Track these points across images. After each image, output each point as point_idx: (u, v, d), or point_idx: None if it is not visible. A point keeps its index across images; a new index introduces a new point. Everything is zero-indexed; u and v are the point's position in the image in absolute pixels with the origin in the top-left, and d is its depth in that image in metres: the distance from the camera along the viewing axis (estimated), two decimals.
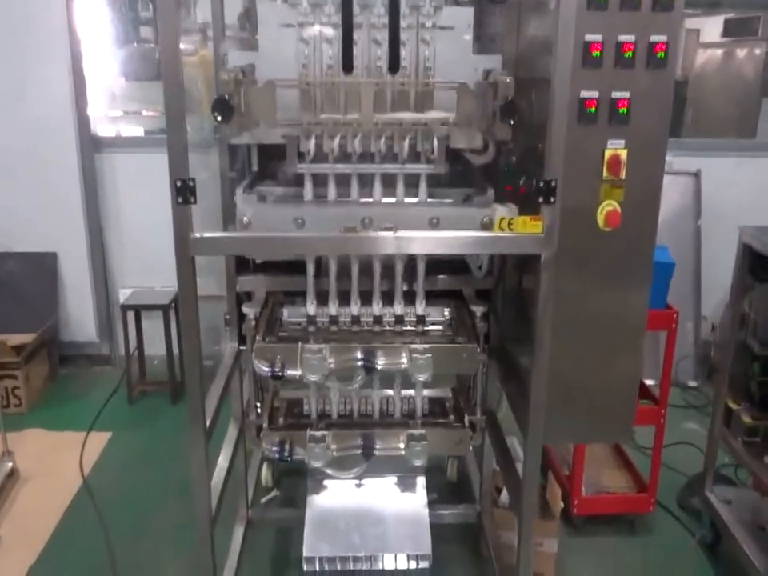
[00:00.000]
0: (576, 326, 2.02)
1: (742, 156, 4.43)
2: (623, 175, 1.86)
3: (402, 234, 1.86)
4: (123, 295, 4.39)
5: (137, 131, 5.16)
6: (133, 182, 4.35)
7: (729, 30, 6.42)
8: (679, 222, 4.35)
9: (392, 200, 2.10)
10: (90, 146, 4.28)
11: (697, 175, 4.36)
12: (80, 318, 4.54)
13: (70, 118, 4.20)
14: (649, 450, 3.09)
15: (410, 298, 2.29)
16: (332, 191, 2.09)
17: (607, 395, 2.07)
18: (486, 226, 1.97)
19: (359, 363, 2.09)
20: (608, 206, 1.88)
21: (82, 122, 4.25)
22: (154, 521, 3.09)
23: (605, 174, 1.87)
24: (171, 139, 1.73)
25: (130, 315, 4.20)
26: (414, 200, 2.11)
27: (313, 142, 2.01)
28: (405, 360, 2.11)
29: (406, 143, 2.02)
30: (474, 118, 2.03)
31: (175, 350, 4.31)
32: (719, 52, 6.23)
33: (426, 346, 2.12)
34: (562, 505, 2.67)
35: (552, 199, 1.82)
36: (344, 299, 2.27)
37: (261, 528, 2.88)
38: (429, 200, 2.12)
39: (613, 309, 2.00)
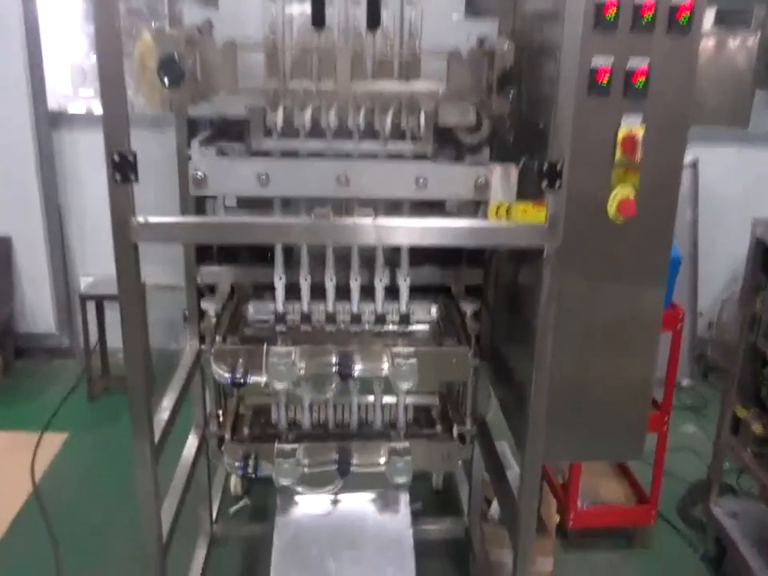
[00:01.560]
0: (581, 328, 1.77)
1: (740, 146, 4.22)
2: (639, 157, 1.61)
3: (382, 221, 1.60)
4: (84, 283, 4.09)
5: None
6: (98, 163, 4.03)
7: (721, 19, 6.24)
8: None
9: (372, 156, 1.84)
10: (46, 122, 3.95)
11: (694, 165, 4.13)
12: (37, 307, 4.23)
13: (23, 92, 3.87)
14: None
15: (392, 294, 2.04)
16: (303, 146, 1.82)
17: (616, 407, 1.83)
18: (482, 189, 1.71)
19: (333, 369, 1.84)
20: (621, 194, 1.63)
21: (38, 97, 3.92)
22: (109, 536, 2.81)
23: (618, 155, 1.62)
24: (106, 105, 1.47)
25: (91, 305, 3.89)
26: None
27: (281, 114, 1.74)
28: (386, 366, 1.85)
29: (389, 118, 1.76)
30: (466, 90, 1.79)
31: None
32: (711, 42, 6.03)
33: (410, 349, 1.87)
34: (557, 519, 2.44)
35: (557, 184, 1.57)
36: (318, 294, 2.01)
37: (226, 544, 2.61)
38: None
39: (624, 309, 1.76)
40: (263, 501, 2.92)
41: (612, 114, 1.61)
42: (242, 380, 1.82)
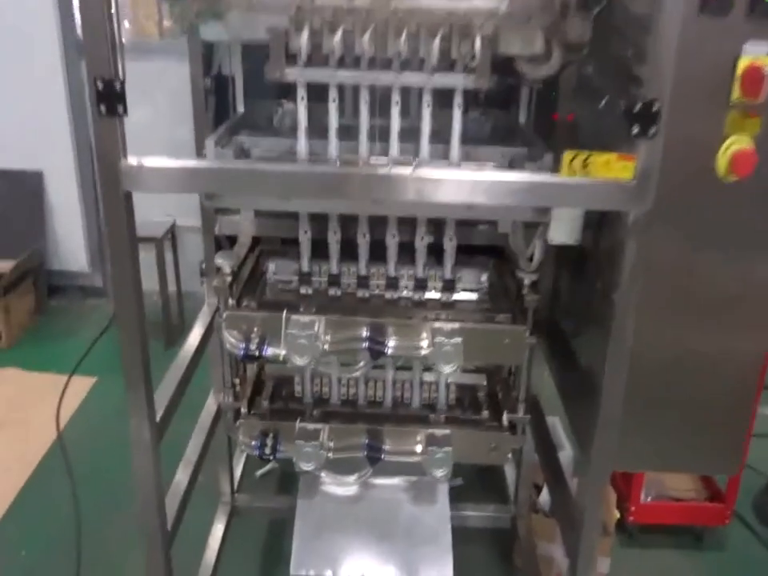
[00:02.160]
0: (673, 302, 1.44)
1: None
2: (763, 97, 1.24)
3: (424, 172, 1.28)
4: None
5: None
6: (131, 92, 3.77)
7: None
8: None
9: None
10: (75, 52, 3.68)
11: None
12: (70, 244, 4.06)
13: (52, 22, 3.60)
14: None
15: (436, 256, 1.73)
16: (333, 139, 1.50)
17: (712, 404, 1.51)
18: None
19: (363, 345, 1.55)
20: (736, 145, 1.27)
21: (66, 26, 3.64)
22: (131, 487, 2.65)
23: (735, 94, 1.25)
24: (86, 20, 1.18)
25: None
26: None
27: (306, 36, 1.41)
28: (425, 344, 1.56)
29: (437, 43, 1.41)
30: (534, 9, 1.41)
31: (171, 287, 3.84)
32: None
33: (455, 325, 1.57)
34: (617, 515, 2.16)
35: (653, 130, 1.22)
36: (349, 253, 1.72)
37: (248, 517, 2.41)
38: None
39: (731, 282, 1.41)
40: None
41: (731, 39, 1.25)
42: (256, 352, 1.56)
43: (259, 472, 2.72)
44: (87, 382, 3.36)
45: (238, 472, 2.41)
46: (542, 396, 2.04)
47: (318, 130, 1.51)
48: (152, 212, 3.75)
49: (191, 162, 1.32)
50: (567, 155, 1.28)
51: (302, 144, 1.49)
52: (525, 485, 2.33)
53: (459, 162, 1.51)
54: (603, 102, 1.35)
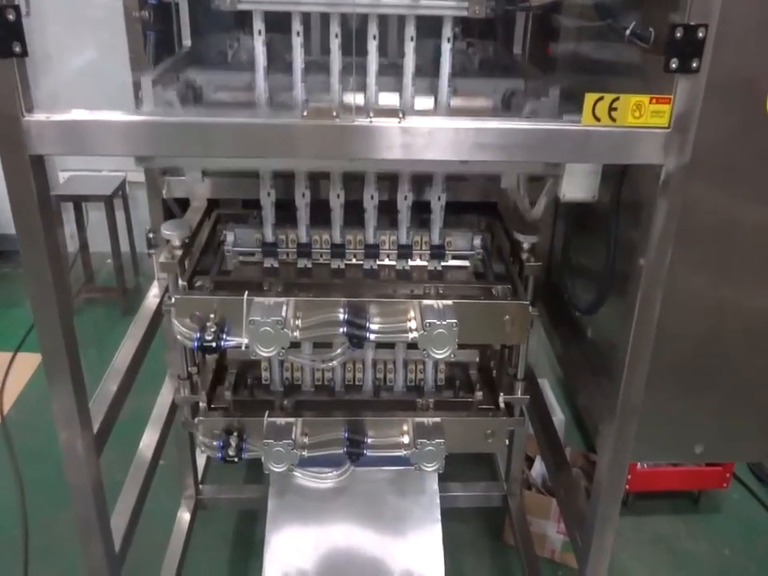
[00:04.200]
0: (712, 265, 1.22)
1: None
2: None
3: (413, 123, 1.02)
4: (63, 180, 3.55)
5: None
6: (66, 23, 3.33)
7: None
8: None
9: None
10: None
11: None
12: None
13: None
14: None
15: (420, 217, 1.49)
16: (298, 81, 1.21)
17: (750, 383, 1.31)
18: None
19: (341, 330, 1.31)
20: None
21: None
22: None
23: None
24: None
25: (68, 207, 3.37)
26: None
27: None
28: (414, 325, 1.33)
29: None
30: None
31: (124, 248, 3.54)
32: None
33: (448, 302, 1.34)
34: None
35: (695, 64, 0.98)
36: (321, 217, 1.47)
37: (214, 510, 2.19)
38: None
39: None
40: None
41: None
42: (213, 343, 1.31)
43: None
44: (34, 358, 3.07)
45: (201, 461, 2.17)
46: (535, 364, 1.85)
47: (281, 68, 1.23)
48: (99, 162, 3.42)
49: (115, 115, 1.03)
50: (589, 98, 1.03)
51: (261, 88, 1.21)
52: (517, 459, 2.14)
53: (448, 102, 1.25)
54: (629, 28, 1.09)
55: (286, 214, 1.48)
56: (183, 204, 1.71)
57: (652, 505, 2.35)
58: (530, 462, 2.23)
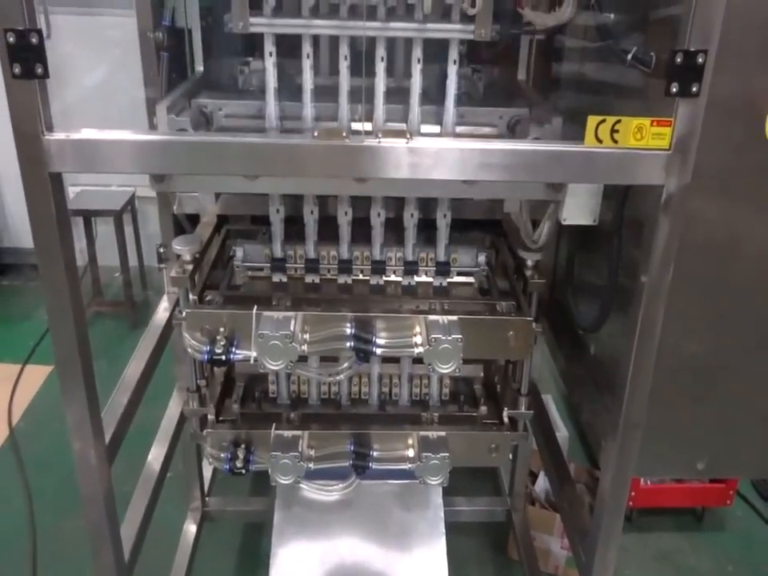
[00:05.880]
0: (716, 273, 1.23)
1: None
2: None
3: (421, 144, 1.05)
4: (71, 195, 3.59)
5: None
6: (85, 44, 3.39)
7: None
8: None
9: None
10: None
11: None
12: (23, 220, 3.74)
13: None
14: None
15: (426, 234, 1.52)
16: (308, 103, 1.25)
17: (750, 402, 1.32)
18: None
19: (348, 345, 1.34)
20: None
21: None
22: None
23: None
24: None
25: (77, 221, 3.41)
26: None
27: None
28: (419, 340, 1.35)
29: None
30: None
31: (132, 262, 3.58)
32: None
33: (453, 318, 1.36)
34: None
35: (695, 88, 1.01)
36: (329, 233, 1.50)
37: (221, 522, 2.21)
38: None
39: None
40: None
41: None
42: (222, 356, 1.34)
43: None
44: (43, 371, 3.10)
45: (207, 473, 2.19)
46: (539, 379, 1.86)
47: (291, 91, 1.27)
48: (109, 178, 3.47)
49: (132, 135, 1.07)
50: (592, 120, 1.06)
51: (272, 110, 1.25)
52: (520, 474, 2.16)
53: (454, 127, 1.29)
54: (630, 54, 1.12)
55: (294, 229, 1.51)
56: (193, 219, 1.75)
57: (656, 521, 2.35)
58: (533, 477, 2.24)
